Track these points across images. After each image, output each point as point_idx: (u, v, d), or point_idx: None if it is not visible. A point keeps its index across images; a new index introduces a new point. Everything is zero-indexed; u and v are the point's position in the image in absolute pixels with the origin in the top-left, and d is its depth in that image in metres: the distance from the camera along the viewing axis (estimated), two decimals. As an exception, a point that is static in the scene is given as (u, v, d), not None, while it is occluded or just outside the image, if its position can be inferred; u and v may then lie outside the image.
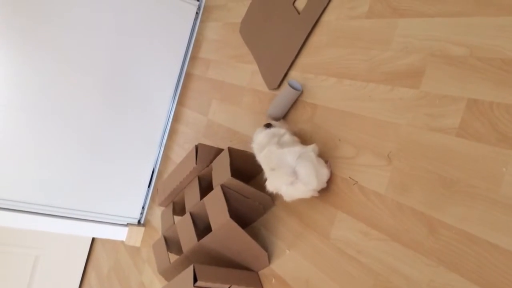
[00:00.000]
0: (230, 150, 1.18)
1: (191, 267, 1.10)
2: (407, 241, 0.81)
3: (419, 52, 0.89)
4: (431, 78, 0.85)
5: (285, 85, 1.21)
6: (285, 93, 1.19)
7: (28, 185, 1.70)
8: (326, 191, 1.02)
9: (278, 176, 1.01)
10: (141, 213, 1.96)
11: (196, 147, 1.27)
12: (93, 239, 2.51)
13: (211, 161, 1.27)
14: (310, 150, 1.02)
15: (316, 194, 1.01)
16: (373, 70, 0.99)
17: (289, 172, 0.99)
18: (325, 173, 1.00)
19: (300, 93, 1.19)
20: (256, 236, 1.22)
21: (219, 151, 1.27)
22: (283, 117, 1.24)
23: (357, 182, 0.94)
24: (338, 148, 1.02)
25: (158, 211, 1.86)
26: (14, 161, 1.67)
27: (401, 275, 0.80)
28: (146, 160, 1.91)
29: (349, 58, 1.06)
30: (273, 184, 1.04)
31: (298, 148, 1.02)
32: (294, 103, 1.21)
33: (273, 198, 1.18)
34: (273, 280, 1.12)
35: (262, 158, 1.07)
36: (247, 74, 1.47)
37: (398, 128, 0.89)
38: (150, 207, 1.95)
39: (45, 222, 1.75)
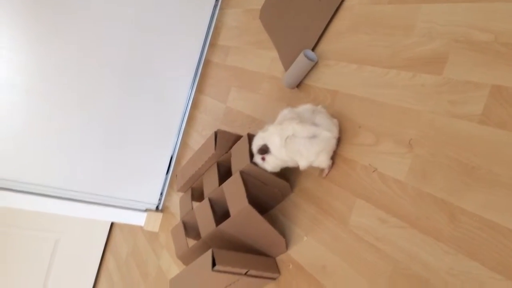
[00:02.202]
0: (250, 136, 1.18)
1: (209, 252, 1.11)
2: (427, 228, 0.81)
3: (442, 38, 0.88)
4: (454, 64, 0.84)
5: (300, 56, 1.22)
6: (299, 63, 1.20)
7: (49, 169, 1.74)
8: (345, 177, 1.02)
9: (301, 131, 1.01)
10: (159, 199, 1.98)
11: (216, 133, 1.27)
12: (112, 224, 2.54)
13: (230, 147, 1.28)
14: (320, 106, 1.07)
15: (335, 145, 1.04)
16: (395, 56, 0.98)
17: (310, 125, 1.02)
18: (336, 123, 1.06)
19: (314, 63, 1.20)
20: (274, 222, 1.22)
21: (238, 137, 1.28)
22: (297, 86, 1.25)
23: (376, 169, 0.94)
24: (358, 135, 1.02)
25: (176, 197, 1.88)
26: (36, 145, 1.70)
27: (420, 262, 0.80)
28: (165, 146, 1.92)
29: (370, 44, 1.06)
30: (293, 149, 1.03)
31: (309, 105, 1.07)
32: (314, 89, 1.21)
33: (292, 185, 1.19)
34: (291, 266, 1.13)
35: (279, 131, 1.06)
36: (267, 60, 1.46)
37: (419, 115, 0.88)
38: (168, 194, 1.97)
39: (65, 206, 1.78)
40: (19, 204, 1.70)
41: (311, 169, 1.13)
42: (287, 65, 1.34)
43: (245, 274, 1.14)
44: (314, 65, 1.22)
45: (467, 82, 0.81)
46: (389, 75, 0.98)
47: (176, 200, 1.87)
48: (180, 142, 1.95)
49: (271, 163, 1.10)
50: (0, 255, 2.34)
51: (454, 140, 0.80)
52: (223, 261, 1.10)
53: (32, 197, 1.72)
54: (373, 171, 0.95)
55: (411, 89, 0.92)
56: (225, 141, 1.27)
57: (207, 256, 1.12)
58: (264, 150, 1.08)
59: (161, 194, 1.98)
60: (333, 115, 1.10)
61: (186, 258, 1.37)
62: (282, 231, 1.18)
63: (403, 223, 0.85)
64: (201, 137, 1.79)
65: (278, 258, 1.18)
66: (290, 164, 1.09)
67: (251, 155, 1.15)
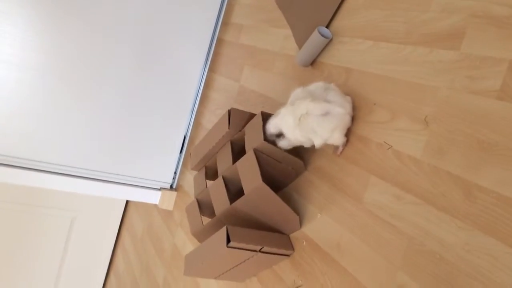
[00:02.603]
0: (263, 114, 1.18)
1: (224, 228, 1.13)
2: (442, 204, 0.81)
3: (460, 13, 0.86)
4: (472, 39, 0.83)
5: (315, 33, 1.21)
6: (313, 40, 1.19)
7: (64, 148, 1.76)
8: (360, 155, 1.02)
9: (314, 108, 1.01)
10: (173, 178, 2.00)
11: (229, 112, 1.28)
12: (127, 202, 2.58)
13: (244, 126, 1.28)
14: (332, 84, 1.08)
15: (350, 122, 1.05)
16: (411, 32, 0.96)
17: (323, 102, 1.01)
18: (349, 100, 1.06)
19: (329, 40, 1.19)
20: (287, 200, 1.23)
21: (252, 115, 1.28)
22: (311, 63, 1.25)
23: (391, 146, 0.94)
24: (373, 112, 1.01)
25: (189, 176, 1.90)
26: (52, 124, 1.72)
27: (435, 238, 0.80)
28: (178, 126, 1.93)
29: (386, 20, 1.04)
30: (307, 128, 1.03)
31: (322, 83, 1.06)
32: (328, 67, 1.20)
33: (305, 162, 1.19)
34: (304, 243, 1.14)
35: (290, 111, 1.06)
36: (280, 38, 1.45)
37: (436, 91, 0.87)
38: (182, 172, 1.99)
39: (81, 184, 1.81)
40: (36, 182, 1.73)
41: (325, 146, 1.13)
42: (300, 42, 1.33)
43: (259, 250, 1.15)
44: (328, 42, 1.21)
45: (485, 57, 0.80)
46: (405, 51, 0.97)
47: (190, 179, 1.89)
48: (193, 122, 1.95)
49: (286, 146, 1.12)
50: (18, 233, 2.39)
51: (471, 116, 0.80)
52: (238, 237, 1.12)
53: (49, 176, 1.75)
54: (388, 149, 0.94)
55: (428, 65, 0.90)
56: (238, 119, 1.28)
57: (222, 232, 1.13)
58: (279, 135, 1.11)
59: (175, 173, 2.00)
60: (347, 92, 1.10)
61: (201, 235, 1.38)
62: (296, 209, 1.19)
63: (418, 200, 0.85)
64: (214, 116, 1.79)
65: (292, 236, 1.19)
66: (306, 144, 1.09)
67: (265, 133, 1.15)
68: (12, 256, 2.41)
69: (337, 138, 1.04)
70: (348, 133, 1.06)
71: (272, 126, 1.11)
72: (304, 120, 1.02)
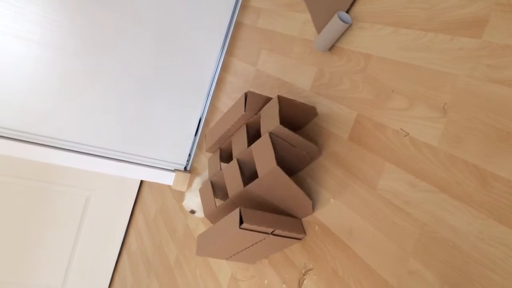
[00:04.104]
0: (280, 98, 1.18)
1: (237, 210, 1.14)
2: (457, 193, 0.80)
3: (484, 0, 0.85)
4: (494, 27, 0.82)
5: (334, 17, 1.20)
6: (333, 25, 1.18)
7: (81, 127, 1.78)
8: (376, 141, 1.01)
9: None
10: (188, 160, 2.02)
11: (246, 95, 1.28)
12: (141, 183, 2.61)
13: (260, 109, 1.28)
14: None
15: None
16: (432, 18, 0.95)
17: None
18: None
19: (348, 26, 1.18)
20: (301, 184, 1.24)
21: (268, 99, 1.28)
22: (329, 49, 1.24)
23: (408, 133, 0.93)
24: (390, 99, 1.01)
25: (204, 158, 1.91)
26: (70, 103, 1.74)
27: (449, 226, 0.80)
28: (194, 108, 1.94)
29: (407, 6, 1.03)
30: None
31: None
32: (346, 53, 1.19)
33: (320, 148, 1.19)
34: (316, 227, 1.14)
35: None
36: (299, 23, 1.44)
37: (456, 79, 0.86)
38: (196, 155, 2.00)
39: (97, 163, 1.83)
40: (52, 159, 1.76)
41: (340, 132, 1.13)
42: (319, 27, 1.32)
43: (271, 233, 1.16)
44: (348, 28, 1.20)
45: (507, 46, 0.79)
46: (426, 38, 0.96)
47: (204, 161, 1.90)
48: (209, 104, 1.96)
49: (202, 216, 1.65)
50: (33, 211, 2.43)
51: (490, 105, 0.79)
52: (250, 219, 1.13)
53: (65, 153, 1.78)
54: (405, 136, 0.94)
55: (448, 52, 0.90)
56: (255, 102, 1.28)
57: (235, 214, 1.15)
58: (193, 211, 1.67)
59: (189, 155, 2.01)
60: (365, 79, 1.09)
61: (214, 217, 1.40)
62: (309, 193, 1.19)
63: (433, 188, 0.85)
64: (230, 100, 1.80)
65: (304, 220, 1.20)
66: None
67: (281, 118, 1.15)
68: (28, 233, 2.46)
69: None
70: (365, 120, 1.06)
71: (185, 206, 1.68)
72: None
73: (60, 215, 2.50)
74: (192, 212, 1.68)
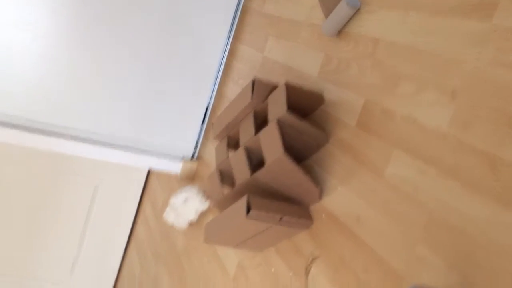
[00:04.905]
0: (287, 85, 1.17)
1: (244, 197, 1.14)
2: (466, 179, 0.79)
3: (495, -18, 0.83)
4: (504, 10, 0.80)
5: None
6: (341, 9, 1.17)
7: (87, 114, 1.78)
8: (384, 127, 1.00)
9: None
10: (195, 149, 2.01)
11: (253, 82, 1.27)
12: (149, 172, 2.62)
13: (267, 97, 1.27)
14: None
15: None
16: (441, 2, 0.93)
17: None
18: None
19: (357, 9, 1.16)
20: (308, 172, 1.23)
21: (275, 86, 1.27)
22: (338, 33, 1.23)
23: (417, 119, 0.92)
24: (399, 84, 0.99)
25: (211, 147, 1.91)
26: (76, 91, 1.74)
27: (457, 212, 0.79)
28: (201, 96, 1.94)
29: (416, -10, 1.01)
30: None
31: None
32: (354, 38, 1.17)
33: (328, 135, 1.18)
34: (323, 215, 1.14)
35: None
36: (306, 8, 1.43)
37: (464, 64, 0.85)
38: (203, 144, 2.00)
39: (104, 152, 1.84)
40: (58, 148, 1.77)
41: (348, 119, 1.12)
42: (327, 12, 1.30)
43: (279, 220, 1.16)
44: (356, 12, 1.19)
45: (519, 29, 0.77)
46: (435, 22, 0.94)
47: (211, 150, 1.90)
48: (216, 92, 1.95)
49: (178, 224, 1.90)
50: (41, 200, 2.45)
51: (499, 90, 0.77)
52: (258, 207, 1.12)
53: (72, 142, 1.78)
54: (413, 122, 0.93)
55: (457, 36, 0.88)
56: (262, 89, 1.27)
57: (242, 201, 1.14)
58: (172, 224, 1.93)
59: (196, 143, 2.01)
60: (373, 65, 1.08)
61: (221, 205, 1.40)
62: (316, 181, 1.19)
63: (441, 174, 0.84)
64: (237, 87, 1.79)
65: (312, 208, 1.19)
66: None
67: (288, 105, 1.14)
68: (36, 222, 2.48)
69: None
70: (374, 106, 1.04)
71: (165, 219, 1.95)
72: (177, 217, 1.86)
73: (69, 204, 2.52)
74: (172, 224, 1.97)
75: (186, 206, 1.83)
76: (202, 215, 1.84)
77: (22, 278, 2.55)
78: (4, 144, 2.27)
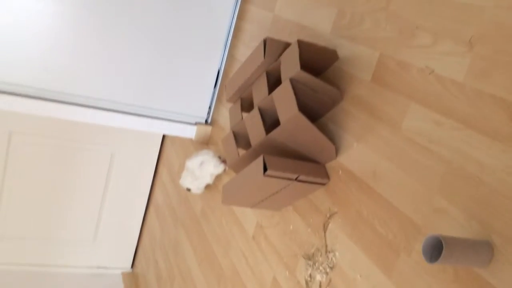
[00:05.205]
0: (300, 42, 1.16)
1: (260, 157, 1.14)
2: (484, 128, 0.79)
3: None
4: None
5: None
6: None
7: (100, 82, 1.79)
8: (400, 81, 0.99)
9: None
10: (208, 113, 2.02)
11: (264, 41, 1.26)
12: (163, 138, 2.64)
13: (280, 56, 1.26)
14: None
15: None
16: None
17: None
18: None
19: None
20: (323, 130, 1.23)
21: (287, 44, 1.26)
22: None
23: (433, 71, 0.91)
24: (414, 36, 0.97)
25: (224, 111, 1.91)
26: (89, 59, 1.74)
27: (475, 162, 0.79)
28: (212, 60, 1.93)
29: None
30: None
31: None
32: (367, -8, 1.15)
33: (342, 92, 1.18)
34: (340, 172, 1.15)
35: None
36: (317, -36, 1.39)
37: (482, 11, 0.83)
38: (216, 107, 2.00)
39: (119, 119, 1.85)
40: (74, 116, 1.79)
41: (363, 75, 1.11)
42: (338, -33, 1.27)
43: (296, 179, 1.17)
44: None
45: (540, -29, 0.75)
46: (451, -30, 0.91)
47: (224, 113, 1.90)
48: (227, 55, 1.94)
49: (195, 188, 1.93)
50: (61, 169, 2.49)
51: (520, 36, 0.76)
52: (274, 166, 1.13)
53: (87, 110, 1.80)
54: (430, 73, 0.92)
55: (475, -17, 0.86)
56: (274, 49, 1.26)
57: (259, 161, 1.15)
58: (188, 189, 1.93)
59: (210, 107, 2.01)
60: (387, 17, 1.06)
61: (237, 167, 1.41)
62: (332, 139, 1.19)
63: (459, 124, 0.84)
64: (248, 49, 1.77)
65: (328, 165, 1.20)
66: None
67: (301, 63, 1.13)
68: (58, 190, 2.53)
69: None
70: (388, 60, 1.03)
71: (181, 184, 1.95)
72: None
73: (87, 172, 2.56)
74: (188, 190, 1.93)
75: (202, 170, 1.86)
76: (218, 178, 1.86)
77: (48, 242, 2.63)
78: (24, 114, 2.30)
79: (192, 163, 1.88)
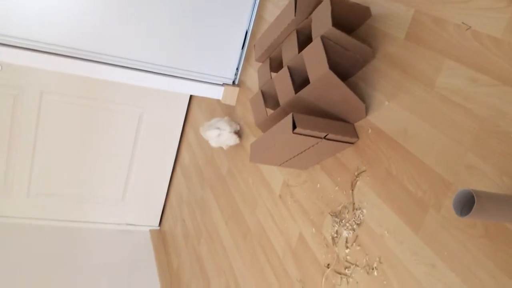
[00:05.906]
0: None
1: (290, 115, 1.15)
2: (522, 84, 0.78)
3: None
4: None
5: None
6: None
7: (130, 42, 1.80)
8: (435, 38, 0.98)
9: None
10: (236, 74, 2.02)
11: (296, -2, 1.24)
12: (190, 99, 2.66)
13: (311, 13, 1.25)
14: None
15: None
16: None
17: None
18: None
19: None
20: (354, 89, 1.22)
21: (319, 1, 1.24)
22: None
23: (470, 27, 0.89)
24: (451, -9, 0.95)
25: (252, 72, 1.91)
26: (118, 20, 1.75)
27: (510, 118, 0.79)
28: (240, 21, 1.91)
29: None
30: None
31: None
32: None
33: (374, 50, 1.16)
34: (370, 131, 1.15)
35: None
36: None
37: (526, -37, 0.80)
38: (244, 68, 2.00)
39: (147, 78, 1.87)
40: (103, 75, 1.81)
41: (396, 32, 1.09)
42: None
43: (324, 138, 1.18)
44: None
45: None
46: None
47: (252, 75, 1.90)
48: (256, 16, 1.92)
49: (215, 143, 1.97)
50: (90, 128, 2.55)
51: None
52: (303, 124, 1.14)
53: (115, 69, 1.82)
54: (467, 29, 0.90)
55: None
56: (305, 5, 1.24)
57: (288, 120, 1.16)
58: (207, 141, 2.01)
59: (237, 69, 2.02)
60: (424, -28, 1.03)
61: (265, 126, 1.42)
62: (362, 98, 1.19)
63: (495, 81, 0.83)
64: (277, 9, 1.75)
65: (357, 124, 1.20)
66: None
67: (333, 20, 1.12)
68: (87, 150, 2.60)
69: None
70: (423, 17, 1.01)
71: (202, 134, 2.02)
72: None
73: (116, 132, 2.62)
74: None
75: (219, 140, 1.94)
76: (246, 137, 1.88)
77: (79, 199, 2.72)
78: (55, 74, 2.35)
79: (207, 132, 1.99)
